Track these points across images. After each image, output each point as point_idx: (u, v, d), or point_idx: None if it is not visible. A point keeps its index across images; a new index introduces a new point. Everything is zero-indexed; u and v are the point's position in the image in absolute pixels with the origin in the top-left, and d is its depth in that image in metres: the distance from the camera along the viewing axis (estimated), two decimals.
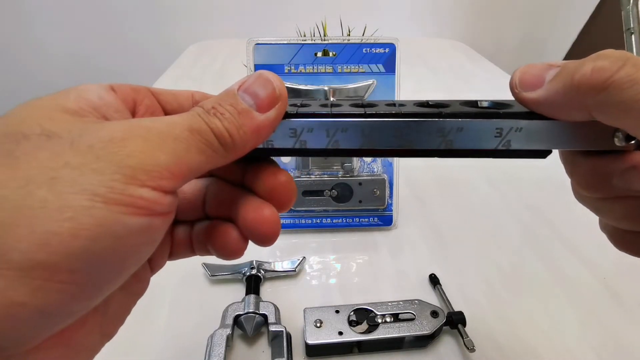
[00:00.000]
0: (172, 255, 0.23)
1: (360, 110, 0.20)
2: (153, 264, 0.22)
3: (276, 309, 0.38)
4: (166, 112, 0.22)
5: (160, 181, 0.15)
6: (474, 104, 0.21)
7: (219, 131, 0.17)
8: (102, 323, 0.19)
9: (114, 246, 0.15)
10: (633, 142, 0.19)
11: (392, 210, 0.50)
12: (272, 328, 0.36)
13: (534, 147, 0.20)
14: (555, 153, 0.22)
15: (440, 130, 0.20)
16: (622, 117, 0.17)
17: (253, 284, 0.41)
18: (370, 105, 0.21)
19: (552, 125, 0.19)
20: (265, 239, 0.21)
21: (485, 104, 0.21)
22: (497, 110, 0.20)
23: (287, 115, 0.20)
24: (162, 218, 0.16)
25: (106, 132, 0.15)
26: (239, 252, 0.21)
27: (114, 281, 0.16)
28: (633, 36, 0.20)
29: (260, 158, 0.22)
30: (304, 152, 0.21)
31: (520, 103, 0.20)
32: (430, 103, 0.21)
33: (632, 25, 0.20)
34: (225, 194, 0.22)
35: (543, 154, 0.20)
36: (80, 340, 0.18)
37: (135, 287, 0.21)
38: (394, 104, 0.21)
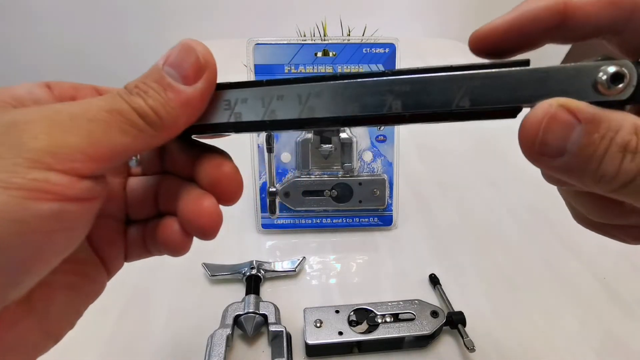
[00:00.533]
0: (128, 257, 0.22)
1: (298, 77, 0.18)
2: (108, 266, 0.22)
3: (276, 309, 0.38)
4: None
5: (72, 164, 0.14)
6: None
7: (142, 110, 0.16)
8: (42, 323, 0.18)
9: (17, 231, 0.13)
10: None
11: (392, 210, 0.50)
12: (272, 328, 0.36)
13: (503, 104, 0.17)
14: None
15: (387, 91, 0.17)
16: None
17: (253, 284, 0.41)
18: (313, 77, 0.19)
19: (523, 72, 0.17)
20: (204, 232, 0.19)
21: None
22: (453, 65, 0.17)
23: (222, 86, 0.19)
24: (79, 204, 0.15)
25: (9, 117, 0.14)
26: (182, 248, 0.20)
27: (29, 270, 0.15)
28: None
29: (205, 146, 0.20)
30: (241, 126, 0.19)
31: (532, 162, 0.17)
32: (386, 72, 0.18)
33: None
34: (174, 189, 0.21)
35: (512, 111, 0.18)
36: (13, 340, 0.17)
37: (85, 288, 0.20)
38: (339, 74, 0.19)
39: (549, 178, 0.21)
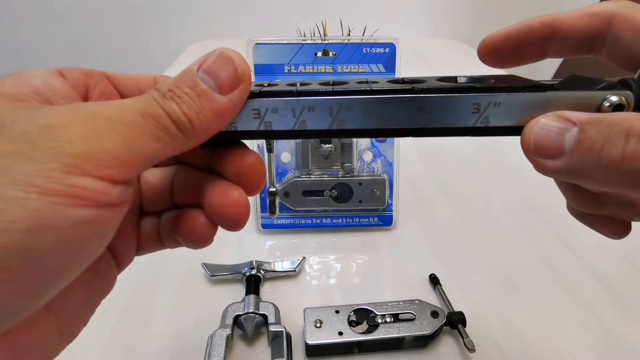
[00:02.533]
0: (140, 250, 0.22)
1: (328, 88, 0.19)
2: (119, 260, 0.21)
3: (276, 309, 0.38)
4: (123, 98, 0.20)
5: (109, 170, 0.14)
6: (452, 79, 0.20)
7: (176, 116, 0.16)
8: (58, 323, 0.18)
9: (54, 240, 0.13)
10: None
11: (392, 210, 0.50)
12: (272, 328, 0.36)
13: (513, 122, 0.19)
14: None
15: (414, 107, 0.19)
16: None
17: (253, 284, 0.41)
18: (340, 83, 0.20)
19: (532, 97, 0.18)
20: (234, 223, 0.20)
21: (463, 80, 0.20)
22: (474, 84, 0.19)
23: (251, 95, 0.19)
24: (112, 209, 0.15)
25: (44, 117, 0.14)
26: (207, 239, 0.20)
27: (61, 277, 0.15)
28: None
29: (224, 141, 0.20)
30: (270, 134, 0.19)
31: (536, 169, 0.18)
32: (405, 80, 0.20)
33: None
34: (193, 181, 0.21)
35: (521, 130, 0.19)
36: (32, 342, 0.17)
37: (98, 284, 0.20)
38: (365, 82, 0.20)
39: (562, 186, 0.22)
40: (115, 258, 0.21)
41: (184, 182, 0.22)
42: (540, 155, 0.18)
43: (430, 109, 0.19)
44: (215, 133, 0.18)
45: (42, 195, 0.13)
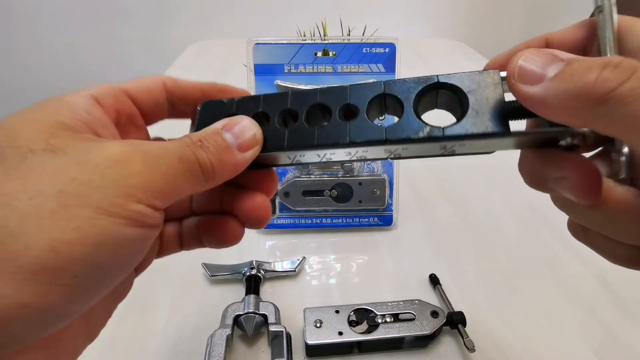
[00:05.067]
0: (161, 253, 0.25)
1: (312, 142, 0.21)
2: (139, 266, 0.24)
3: (276, 309, 0.38)
4: (143, 113, 0.24)
5: (154, 200, 0.18)
6: (429, 84, 0.21)
7: (204, 162, 0.20)
8: (86, 326, 0.21)
9: (113, 253, 0.16)
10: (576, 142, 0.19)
11: (392, 210, 0.50)
12: (272, 328, 0.36)
13: (476, 152, 0.22)
14: None
15: (387, 150, 0.22)
16: (618, 131, 0.17)
17: (253, 284, 0.41)
18: (326, 112, 0.22)
19: (490, 142, 0.20)
20: (262, 222, 0.24)
21: (442, 80, 0.21)
22: (438, 134, 0.20)
23: (287, 148, 0.22)
24: (153, 230, 0.18)
25: (110, 153, 0.17)
26: (239, 238, 0.24)
27: (108, 285, 0.18)
28: (601, 14, 0.20)
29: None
30: (299, 164, 0.24)
31: (513, 94, 0.19)
32: (385, 94, 0.22)
33: (599, 4, 0.19)
34: (212, 192, 0.24)
35: (487, 153, 0.22)
36: (65, 343, 0.19)
37: (120, 290, 0.23)
38: (348, 109, 0.22)
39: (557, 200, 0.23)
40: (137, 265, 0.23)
41: (204, 193, 0.24)
42: (520, 80, 0.18)
43: (401, 150, 0.22)
44: (227, 180, 0.21)
45: (108, 217, 0.16)
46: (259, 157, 0.22)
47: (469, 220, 0.53)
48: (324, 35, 0.68)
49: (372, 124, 0.21)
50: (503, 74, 0.20)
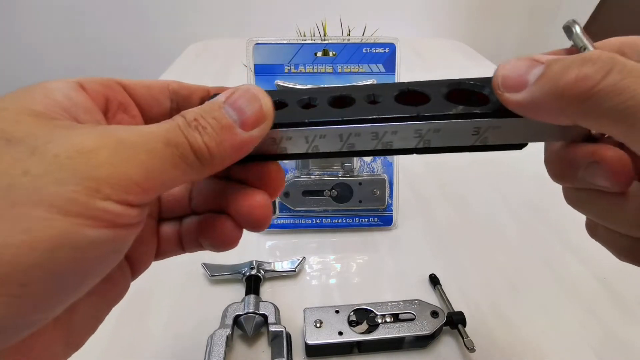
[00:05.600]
0: (159, 255, 0.23)
1: (337, 117, 0.20)
2: (136, 267, 0.22)
3: (276, 309, 0.38)
4: (140, 107, 0.21)
5: (127, 195, 0.15)
6: (456, 88, 0.21)
7: (197, 146, 0.17)
8: (66, 333, 0.18)
9: (73, 258, 0.14)
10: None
11: (392, 210, 0.50)
12: (272, 328, 0.36)
13: (509, 141, 0.21)
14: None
15: (418, 131, 0.20)
16: (605, 126, 0.17)
17: (253, 284, 0.41)
18: (348, 101, 0.20)
19: (527, 122, 0.19)
20: (259, 224, 0.21)
21: (467, 86, 0.21)
22: (474, 110, 0.20)
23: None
24: (128, 230, 0.16)
25: (75, 141, 0.15)
26: (234, 242, 0.21)
27: (74, 292, 0.15)
28: (572, 36, 0.20)
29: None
30: (285, 157, 0.21)
31: (503, 104, 0.19)
32: (409, 89, 0.21)
33: (580, 45, 0.20)
34: (212, 188, 0.22)
35: (519, 146, 0.21)
36: (39, 352, 0.17)
37: (110, 292, 0.21)
38: (372, 100, 0.21)
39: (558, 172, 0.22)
40: (132, 265, 0.21)
41: (203, 189, 0.22)
42: (505, 89, 0.18)
43: (432, 133, 0.20)
44: (230, 164, 0.18)
45: (64, 216, 0.14)
46: (268, 143, 0.19)
47: (469, 220, 0.53)
48: (324, 35, 0.68)
49: (400, 105, 0.20)
50: None
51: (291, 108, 0.20)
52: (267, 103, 0.19)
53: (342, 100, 0.21)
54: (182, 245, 0.23)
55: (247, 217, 0.21)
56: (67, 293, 0.15)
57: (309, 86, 0.46)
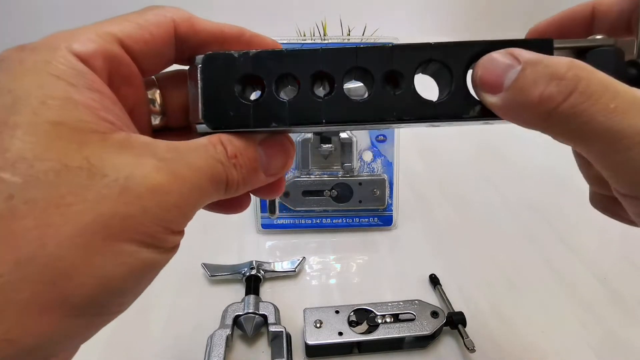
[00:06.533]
0: None
1: (354, 117, 0.20)
2: None
3: (276, 309, 0.38)
4: (141, 68, 0.20)
5: (182, 227, 0.18)
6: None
7: (233, 182, 0.19)
8: None
9: (149, 280, 0.17)
10: None
11: (392, 210, 0.50)
12: (272, 328, 0.36)
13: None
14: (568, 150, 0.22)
15: (430, 125, 0.21)
16: (567, 143, 0.17)
17: (253, 284, 0.41)
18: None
19: None
20: (272, 191, 0.23)
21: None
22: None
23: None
24: (171, 253, 0.18)
25: (151, 183, 0.16)
26: (246, 206, 0.23)
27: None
28: None
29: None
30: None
31: (480, 100, 0.19)
32: (432, 59, 0.19)
33: None
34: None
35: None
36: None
37: None
38: (391, 74, 0.20)
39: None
40: None
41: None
42: (483, 89, 0.19)
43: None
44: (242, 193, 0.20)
45: (147, 249, 0.16)
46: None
47: (469, 220, 0.53)
48: (324, 35, 0.68)
49: (420, 97, 0.19)
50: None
51: (302, 94, 0.19)
52: (292, 157, 0.21)
53: (360, 72, 0.19)
54: None
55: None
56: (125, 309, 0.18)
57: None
